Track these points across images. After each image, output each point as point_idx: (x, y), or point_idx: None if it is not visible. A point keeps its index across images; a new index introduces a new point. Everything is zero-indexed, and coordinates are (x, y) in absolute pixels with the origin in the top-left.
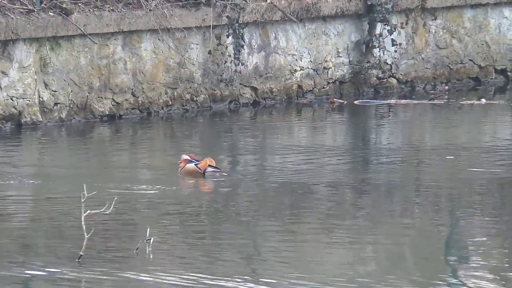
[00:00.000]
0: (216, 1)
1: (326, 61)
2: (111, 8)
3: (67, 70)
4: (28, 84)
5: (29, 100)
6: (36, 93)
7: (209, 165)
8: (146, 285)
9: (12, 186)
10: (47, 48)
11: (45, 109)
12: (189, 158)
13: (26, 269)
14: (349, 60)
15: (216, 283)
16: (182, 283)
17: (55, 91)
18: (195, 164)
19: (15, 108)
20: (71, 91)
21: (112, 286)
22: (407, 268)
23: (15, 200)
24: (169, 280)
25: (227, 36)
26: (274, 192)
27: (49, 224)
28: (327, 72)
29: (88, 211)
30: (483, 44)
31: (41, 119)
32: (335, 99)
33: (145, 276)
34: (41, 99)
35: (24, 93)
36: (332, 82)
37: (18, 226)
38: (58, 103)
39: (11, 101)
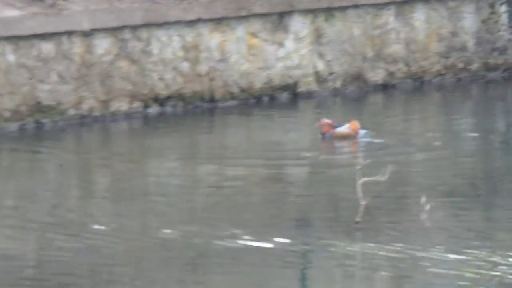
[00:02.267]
0: None
1: None
2: None
3: (341, 40)
4: (303, 55)
5: (305, 71)
6: (311, 63)
7: (360, 128)
8: (416, 257)
9: (287, 156)
10: (322, 19)
11: (320, 79)
12: (330, 122)
13: (303, 241)
14: None
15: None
16: (455, 258)
17: (330, 61)
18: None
19: (291, 78)
20: (345, 61)
21: (385, 259)
22: None
23: (291, 172)
24: (442, 256)
25: (501, 5)
26: None
27: (326, 194)
28: None
29: (364, 179)
30: None
31: (316, 89)
32: None
33: (418, 250)
34: (316, 70)
35: (299, 64)
36: None
37: (298, 197)
38: (333, 73)
39: (287, 71)
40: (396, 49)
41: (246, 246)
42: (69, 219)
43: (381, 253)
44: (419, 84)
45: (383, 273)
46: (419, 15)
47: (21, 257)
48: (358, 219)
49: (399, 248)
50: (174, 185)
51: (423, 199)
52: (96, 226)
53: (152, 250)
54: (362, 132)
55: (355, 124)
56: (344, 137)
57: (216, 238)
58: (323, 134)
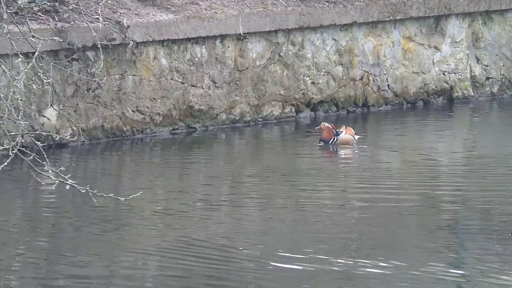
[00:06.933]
0: None
1: None
2: None
3: (499, 44)
4: (460, 59)
5: (461, 75)
6: (468, 67)
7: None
8: None
9: (442, 162)
10: (480, 22)
11: (477, 84)
12: (331, 126)
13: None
14: None
15: None
16: None
17: (487, 66)
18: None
19: (447, 83)
20: (503, 66)
21: None
22: None
23: (442, 181)
24: None
25: None
26: None
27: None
28: None
29: None
30: None
31: (472, 94)
32: None
33: None
34: (472, 74)
35: (456, 68)
36: None
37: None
38: (490, 77)
39: (443, 76)
40: None
41: None
42: None
43: None
44: None
45: None
46: None
47: None
48: None
49: None
50: (326, 207)
51: None
52: None
53: None
54: (356, 137)
55: (350, 129)
56: (346, 143)
57: None
58: (325, 140)
